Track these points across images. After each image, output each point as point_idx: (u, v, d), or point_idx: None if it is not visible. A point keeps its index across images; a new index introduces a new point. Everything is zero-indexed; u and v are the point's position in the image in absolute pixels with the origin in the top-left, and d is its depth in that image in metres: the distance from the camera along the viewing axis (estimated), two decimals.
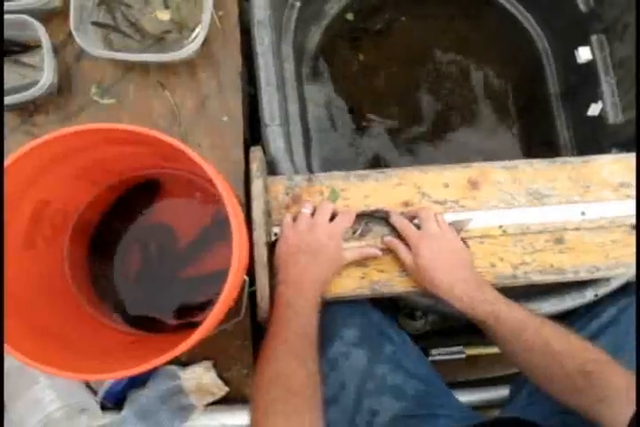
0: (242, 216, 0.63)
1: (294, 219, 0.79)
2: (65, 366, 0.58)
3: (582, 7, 1.10)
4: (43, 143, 0.59)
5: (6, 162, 0.60)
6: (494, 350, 1.11)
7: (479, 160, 0.87)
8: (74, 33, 0.85)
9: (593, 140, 1.11)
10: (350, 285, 0.80)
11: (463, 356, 1.10)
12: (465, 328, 1.13)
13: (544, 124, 1.25)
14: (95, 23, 0.91)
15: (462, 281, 0.73)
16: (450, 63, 1.30)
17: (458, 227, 0.81)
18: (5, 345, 0.58)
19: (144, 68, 0.93)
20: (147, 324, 0.78)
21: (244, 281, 0.64)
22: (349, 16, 1.21)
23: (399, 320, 1.12)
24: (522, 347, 0.68)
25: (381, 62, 1.27)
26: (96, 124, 0.61)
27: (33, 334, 0.65)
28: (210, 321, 0.57)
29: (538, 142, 1.26)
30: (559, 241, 0.83)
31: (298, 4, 1.07)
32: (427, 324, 1.24)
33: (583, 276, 0.81)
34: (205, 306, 0.81)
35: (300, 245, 0.76)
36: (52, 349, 0.64)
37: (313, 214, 0.79)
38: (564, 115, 1.22)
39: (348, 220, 0.78)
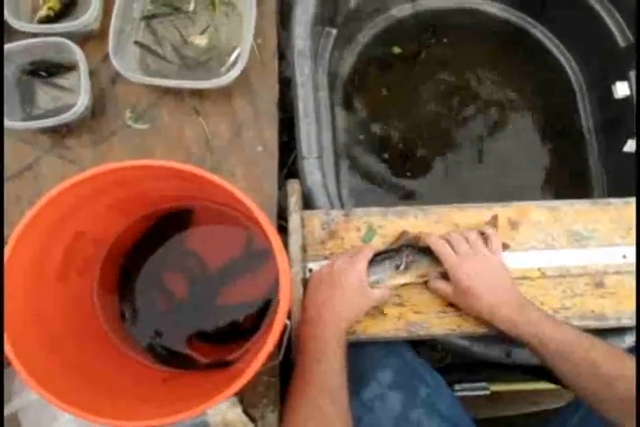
0: (286, 256, 0.61)
1: None
2: (103, 412, 0.56)
3: (621, 42, 1.09)
4: (90, 177, 0.58)
5: (51, 194, 0.60)
6: (518, 386, 1.09)
7: (509, 190, 0.85)
8: (112, 57, 0.84)
9: (627, 177, 1.09)
10: (386, 326, 0.77)
11: (487, 392, 1.08)
12: (488, 363, 1.11)
13: (576, 159, 1.23)
14: (138, 43, 0.90)
15: (504, 304, 0.71)
16: (480, 93, 1.29)
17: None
18: (38, 386, 0.57)
19: (179, 92, 0.92)
20: (176, 360, 0.75)
21: (286, 325, 0.62)
22: (396, 50, 1.20)
23: (420, 349, 1.10)
24: (569, 368, 0.66)
25: (412, 89, 1.26)
26: (146, 160, 0.59)
27: (64, 371, 0.63)
28: (253, 369, 0.55)
29: (569, 177, 1.25)
30: (600, 285, 0.81)
31: (334, 31, 1.06)
32: (448, 356, 1.21)
33: (625, 323, 0.79)
34: (235, 340, 0.79)
35: (322, 284, 0.74)
36: (84, 388, 0.62)
37: None
38: (597, 150, 1.20)
39: (367, 252, 0.76)
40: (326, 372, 0.66)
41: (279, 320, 0.56)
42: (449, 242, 0.76)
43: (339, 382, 0.66)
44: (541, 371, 1.01)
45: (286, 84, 0.99)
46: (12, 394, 0.76)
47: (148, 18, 0.91)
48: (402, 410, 0.73)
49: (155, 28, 0.92)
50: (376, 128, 1.24)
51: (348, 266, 0.74)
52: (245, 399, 0.83)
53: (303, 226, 0.80)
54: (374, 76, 1.24)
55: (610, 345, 0.67)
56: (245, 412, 0.82)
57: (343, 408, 0.64)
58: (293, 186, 0.79)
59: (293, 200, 0.78)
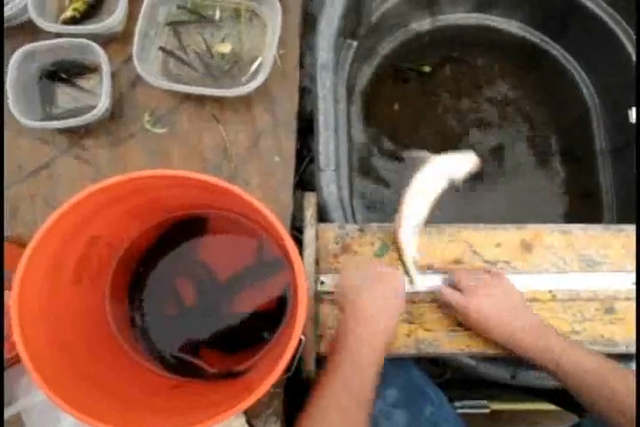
0: (304, 271, 0.61)
1: None
2: (108, 419, 0.55)
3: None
4: (112, 185, 0.58)
5: (72, 200, 0.59)
6: (519, 406, 1.08)
7: (520, 210, 0.85)
8: (135, 61, 0.84)
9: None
10: (395, 342, 0.77)
11: (487, 411, 1.08)
12: (490, 382, 1.11)
13: (588, 181, 1.24)
14: (163, 49, 0.90)
15: (519, 331, 0.70)
16: (494, 111, 1.29)
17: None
18: (45, 386, 0.56)
19: (199, 99, 0.92)
20: (184, 368, 0.75)
21: (300, 340, 0.62)
22: (426, 68, 1.20)
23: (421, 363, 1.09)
24: (586, 394, 0.65)
25: (427, 104, 1.27)
26: (170, 170, 0.59)
27: (73, 373, 0.63)
28: (267, 385, 0.55)
29: (580, 199, 1.25)
30: (609, 311, 0.81)
31: (354, 44, 1.07)
32: (448, 371, 1.21)
33: (634, 350, 0.79)
34: (243, 350, 0.79)
35: (364, 277, 0.73)
36: (91, 393, 0.62)
37: None
38: (609, 173, 1.20)
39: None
40: (361, 382, 0.63)
41: (296, 335, 0.56)
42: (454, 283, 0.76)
43: (367, 388, 0.63)
44: (544, 392, 1.01)
45: (302, 94, 0.99)
46: (17, 395, 0.76)
47: (174, 24, 0.91)
48: None
49: (179, 33, 0.92)
50: (389, 142, 1.24)
51: (391, 269, 0.74)
52: (249, 409, 0.82)
53: (317, 238, 0.80)
54: (390, 89, 1.24)
55: (628, 372, 0.65)
56: (249, 422, 0.82)
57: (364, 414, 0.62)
58: (310, 199, 0.79)
59: (309, 214, 0.78)
